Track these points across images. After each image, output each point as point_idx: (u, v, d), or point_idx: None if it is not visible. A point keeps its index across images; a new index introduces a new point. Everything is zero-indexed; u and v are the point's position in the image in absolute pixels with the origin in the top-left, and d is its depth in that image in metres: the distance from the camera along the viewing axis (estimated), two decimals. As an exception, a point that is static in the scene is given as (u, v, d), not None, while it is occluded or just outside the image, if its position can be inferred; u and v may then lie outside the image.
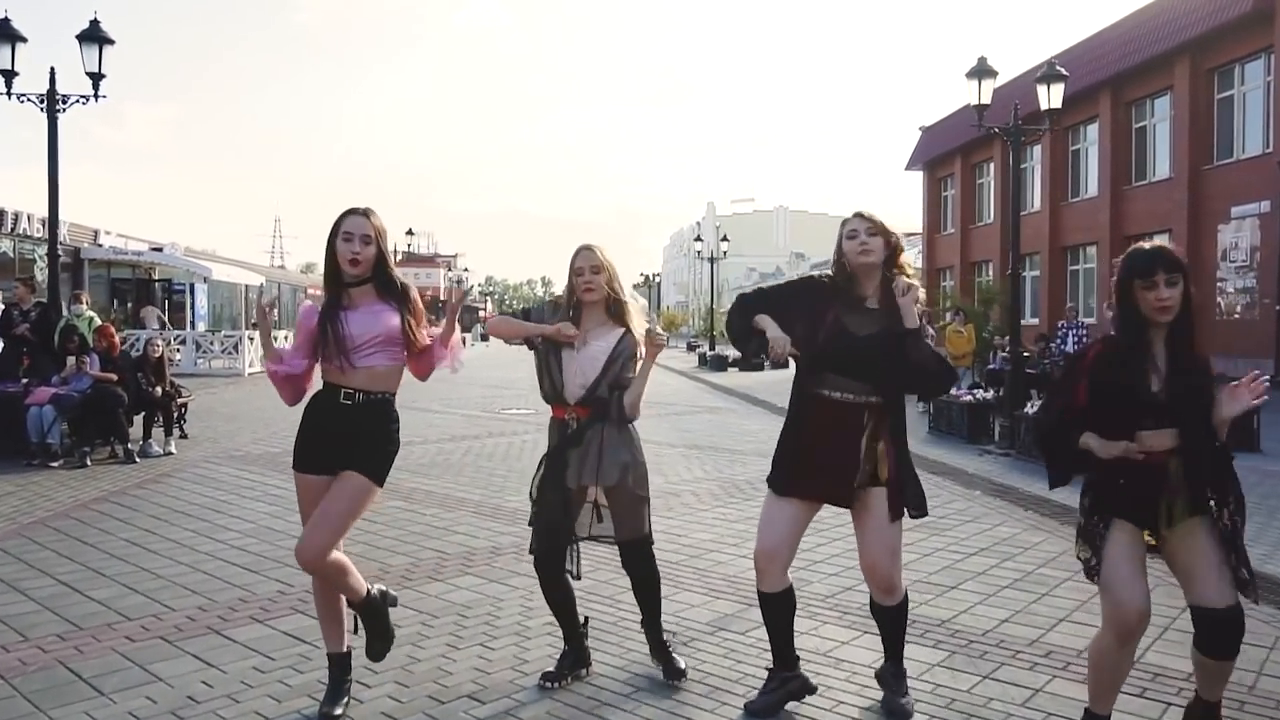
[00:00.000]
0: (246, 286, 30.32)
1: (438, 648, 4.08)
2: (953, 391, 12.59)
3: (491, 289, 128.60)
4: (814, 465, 3.31)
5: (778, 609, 3.41)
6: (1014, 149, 10.96)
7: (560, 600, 3.69)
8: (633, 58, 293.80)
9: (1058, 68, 10.71)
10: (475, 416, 13.89)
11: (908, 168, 38.49)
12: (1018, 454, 9.81)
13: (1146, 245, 2.87)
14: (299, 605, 4.57)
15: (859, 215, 3.39)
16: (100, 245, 23.01)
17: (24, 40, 9.68)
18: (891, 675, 3.49)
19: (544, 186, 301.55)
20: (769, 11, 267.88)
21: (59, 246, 10.50)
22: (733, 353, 30.73)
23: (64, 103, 9.66)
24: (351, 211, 3.27)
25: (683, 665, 3.74)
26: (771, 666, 3.48)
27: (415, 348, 3.34)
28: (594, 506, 3.63)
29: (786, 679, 3.44)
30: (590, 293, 3.56)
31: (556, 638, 4.19)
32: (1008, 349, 13.06)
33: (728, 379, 23.08)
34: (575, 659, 3.74)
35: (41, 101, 9.65)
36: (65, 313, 9.99)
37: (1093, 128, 26.21)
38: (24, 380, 9.16)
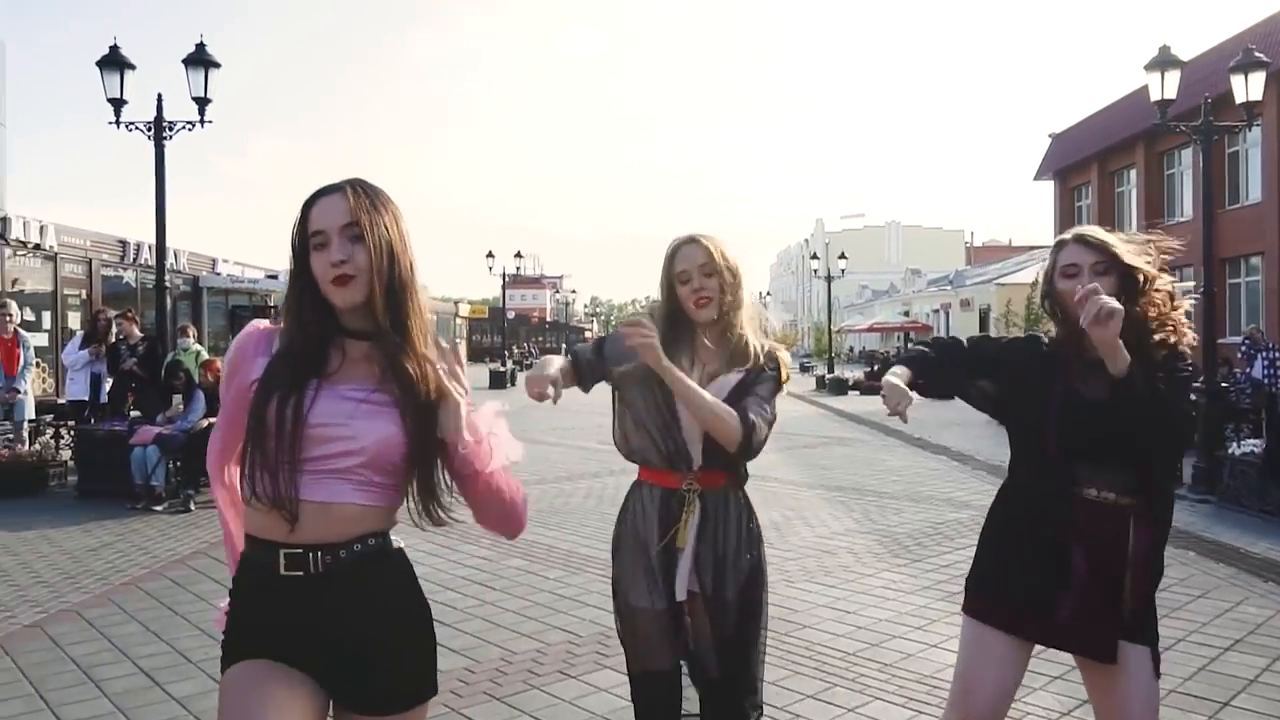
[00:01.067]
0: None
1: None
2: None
3: (597, 309, 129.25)
4: (1042, 588, 2.22)
5: None
6: (1205, 147, 9.57)
7: None
8: (739, 77, 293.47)
9: (1256, 53, 9.30)
10: (592, 450, 13.12)
11: (1037, 177, 36.45)
12: (1219, 500, 8.46)
13: None
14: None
15: (1080, 240, 2.26)
16: (218, 274, 23.38)
17: (132, 68, 9.45)
18: None
19: (648, 207, 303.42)
20: (878, 23, 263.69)
21: (179, 275, 10.23)
22: (853, 374, 29.37)
23: (170, 130, 9.37)
24: (324, 192, 1.70)
25: None
26: None
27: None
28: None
29: None
30: (705, 305, 2.41)
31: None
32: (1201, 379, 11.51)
33: (851, 404, 21.78)
34: None
35: (149, 129, 9.38)
36: (172, 347, 9.68)
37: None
38: (131, 419, 8.81)
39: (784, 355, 2.49)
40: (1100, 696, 2.26)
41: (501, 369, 28.65)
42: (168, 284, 10.67)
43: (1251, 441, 8.78)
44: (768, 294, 74.72)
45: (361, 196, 1.68)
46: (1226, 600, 5.51)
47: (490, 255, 31.62)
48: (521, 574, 6.06)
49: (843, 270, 30.88)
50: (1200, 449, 9.05)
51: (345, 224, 1.64)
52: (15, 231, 15.46)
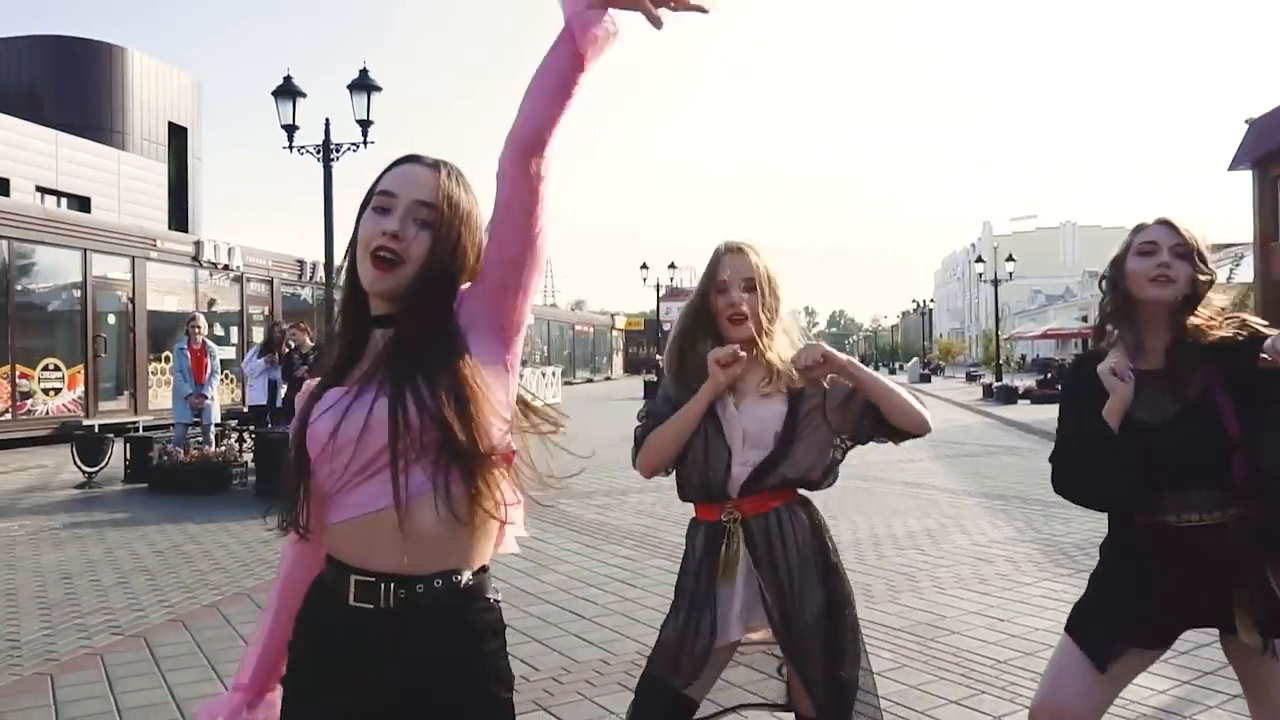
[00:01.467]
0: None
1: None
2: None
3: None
4: (1148, 612, 2.04)
5: None
6: None
7: None
8: (898, 79, 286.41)
9: None
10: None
11: (1232, 167, 33.63)
12: None
13: None
14: (625, 680, 3.85)
15: (1163, 223, 2.11)
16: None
17: (303, 96, 10.15)
18: None
19: (807, 215, 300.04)
20: (1046, 10, 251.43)
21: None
22: (1023, 383, 27.97)
23: (337, 151, 10.01)
24: (415, 159, 1.47)
25: None
26: None
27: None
28: (768, 657, 2.31)
29: None
30: (740, 323, 2.22)
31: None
32: None
33: (1021, 413, 20.69)
34: None
35: (318, 152, 10.05)
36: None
37: None
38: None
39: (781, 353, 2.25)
40: (1260, 699, 2.05)
41: (655, 380, 28.93)
42: (337, 300, 11.31)
43: None
44: (931, 301, 72.12)
45: (455, 182, 1.43)
46: None
47: (644, 267, 32.04)
48: (663, 573, 6.04)
49: (1010, 274, 29.43)
50: None
51: (420, 200, 1.40)
52: (208, 254, 16.89)
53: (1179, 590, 2.01)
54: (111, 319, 14.88)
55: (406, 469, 1.31)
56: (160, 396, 15.75)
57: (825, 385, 2.18)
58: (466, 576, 1.40)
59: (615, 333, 52.36)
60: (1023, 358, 65.74)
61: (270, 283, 19.10)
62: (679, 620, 2.20)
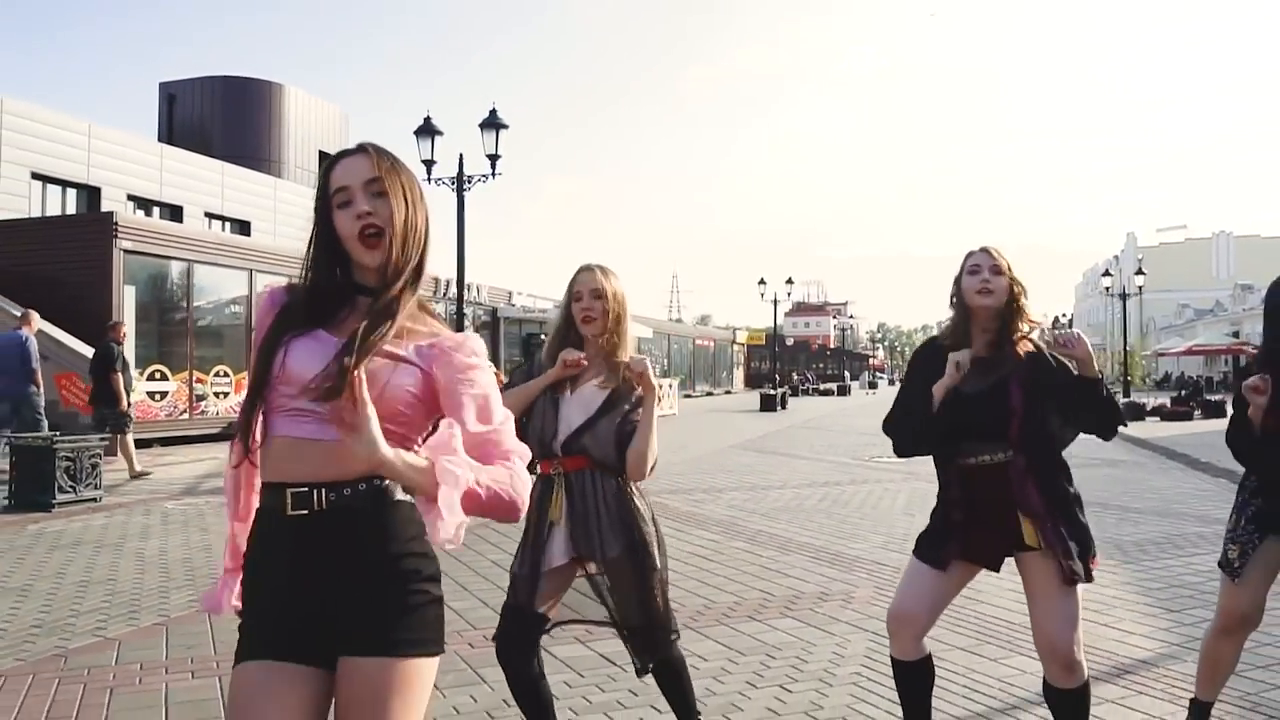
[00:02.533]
0: (639, 339, 32.79)
1: (736, 685, 3.98)
2: None
3: (883, 336, 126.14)
4: (960, 531, 2.83)
5: (911, 679, 2.97)
6: None
7: (533, 703, 2.88)
8: (1036, 85, 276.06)
9: None
10: (843, 464, 13.59)
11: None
12: None
13: None
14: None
15: (984, 250, 2.89)
16: (513, 305, 26.28)
17: (440, 134, 11.45)
18: None
19: (938, 227, 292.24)
20: (1195, 9, 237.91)
21: (480, 307, 12.09)
22: (1152, 400, 27.15)
23: (469, 183, 11.25)
24: (343, 154, 1.74)
25: None
26: None
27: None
28: (590, 582, 2.96)
29: None
30: (589, 323, 2.89)
31: (860, 688, 3.92)
32: None
33: (1143, 429, 20.33)
34: None
35: (453, 183, 11.31)
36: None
37: None
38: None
39: (652, 373, 2.89)
40: (1030, 608, 2.81)
41: (771, 393, 29.48)
42: (468, 314, 12.53)
43: None
44: (1066, 316, 69.51)
45: (383, 156, 1.69)
46: None
47: (762, 282, 32.65)
48: (740, 552, 6.85)
49: (1140, 288, 28.63)
50: None
51: (369, 179, 1.64)
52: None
53: (982, 511, 2.77)
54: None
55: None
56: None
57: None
58: (389, 482, 1.60)
59: (736, 347, 52.97)
60: (1166, 375, 62.71)
61: (411, 298, 20.72)
62: (523, 554, 2.90)
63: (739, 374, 52.76)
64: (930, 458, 2.96)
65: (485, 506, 1.59)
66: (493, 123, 11.14)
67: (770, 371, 39.91)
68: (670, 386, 26.88)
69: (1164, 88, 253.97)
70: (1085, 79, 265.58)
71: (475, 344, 1.71)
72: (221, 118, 29.72)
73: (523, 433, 2.83)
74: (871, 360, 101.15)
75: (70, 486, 8.55)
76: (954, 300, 2.93)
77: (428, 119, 11.46)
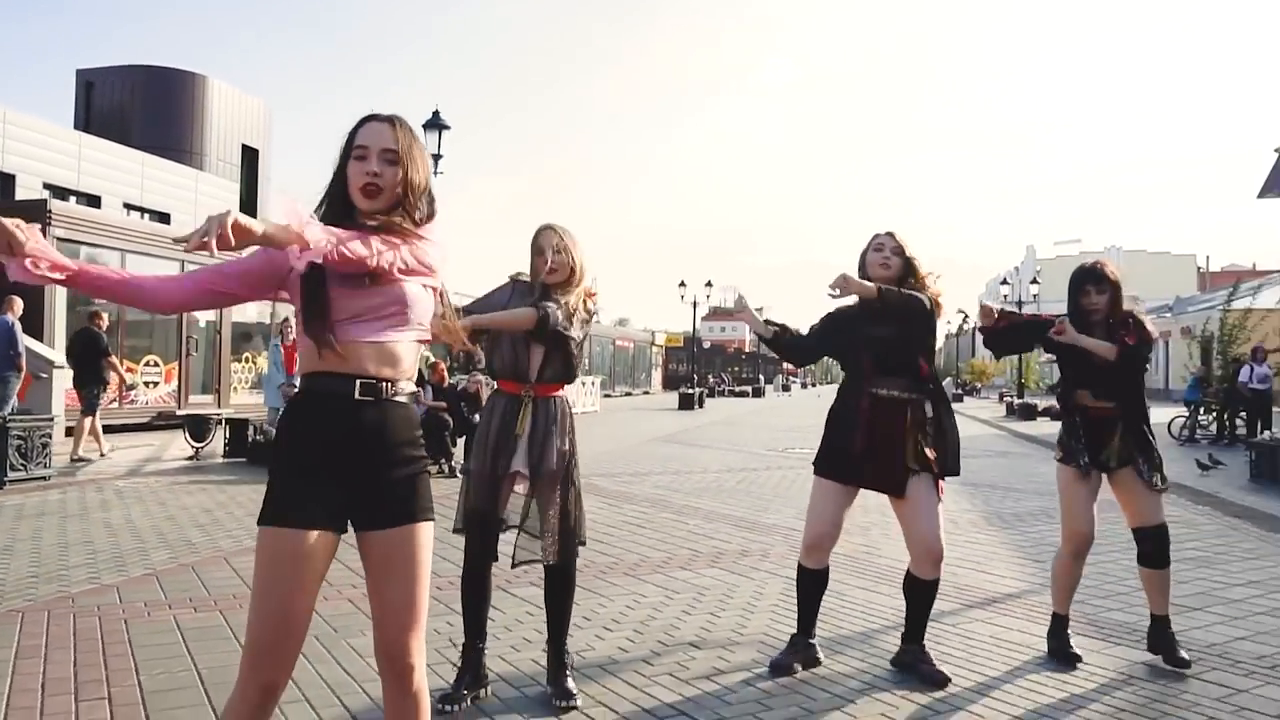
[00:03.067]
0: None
1: (673, 613, 4.70)
2: (1277, 433, 11.36)
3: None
4: (859, 454, 3.60)
5: (810, 585, 3.82)
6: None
7: (477, 591, 3.46)
8: (946, 103, 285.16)
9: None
10: (758, 454, 14.48)
11: (1261, 195, 34.29)
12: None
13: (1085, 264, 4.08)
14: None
15: (889, 233, 3.72)
16: (457, 293, 26.68)
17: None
18: (913, 658, 3.73)
19: (852, 236, 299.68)
20: (1096, 38, 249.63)
21: None
22: (1041, 402, 28.93)
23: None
24: (374, 118, 2.17)
25: (574, 689, 3.43)
26: (795, 632, 3.89)
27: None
28: (526, 498, 3.42)
29: (805, 643, 3.83)
30: (553, 273, 3.40)
31: (776, 615, 4.68)
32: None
33: (1033, 427, 21.85)
34: (473, 678, 3.42)
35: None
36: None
37: None
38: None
39: (590, 305, 3.51)
40: (905, 515, 3.63)
41: (690, 392, 30.43)
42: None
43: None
44: (967, 323, 72.18)
45: (405, 130, 2.15)
46: (1271, 563, 6.24)
47: (683, 284, 33.59)
48: (669, 521, 7.58)
49: (1035, 296, 30.48)
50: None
51: (385, 148, 2.09)
52: (287, 266, 18.74)
53: (881, 433, 3.56)
54: (202, 323, 16.76)
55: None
56: (240, 393, 17.63)
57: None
58: (410, 386, 2.19)
59: (655, 349, 53.84)
60: (1059, 379, 65.98)
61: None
62: (484, 459, 3.38)
63: (657, 375, 53.66)
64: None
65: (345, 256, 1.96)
66: (436, 124, 11.67)
67: (689, 373, 40.91)
68: (593, 384, 27.54)
69: (1065, 112, 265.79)
70: (993, 99, 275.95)
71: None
72: (142, 108, 29.27)
73: (489, 360, 3.50)
74: (785, 365, 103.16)
75: (21, 465, 8.80)
76: (860, 271, 3.72)
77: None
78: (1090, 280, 3.94)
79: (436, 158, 11.72)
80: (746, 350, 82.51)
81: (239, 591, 4.98)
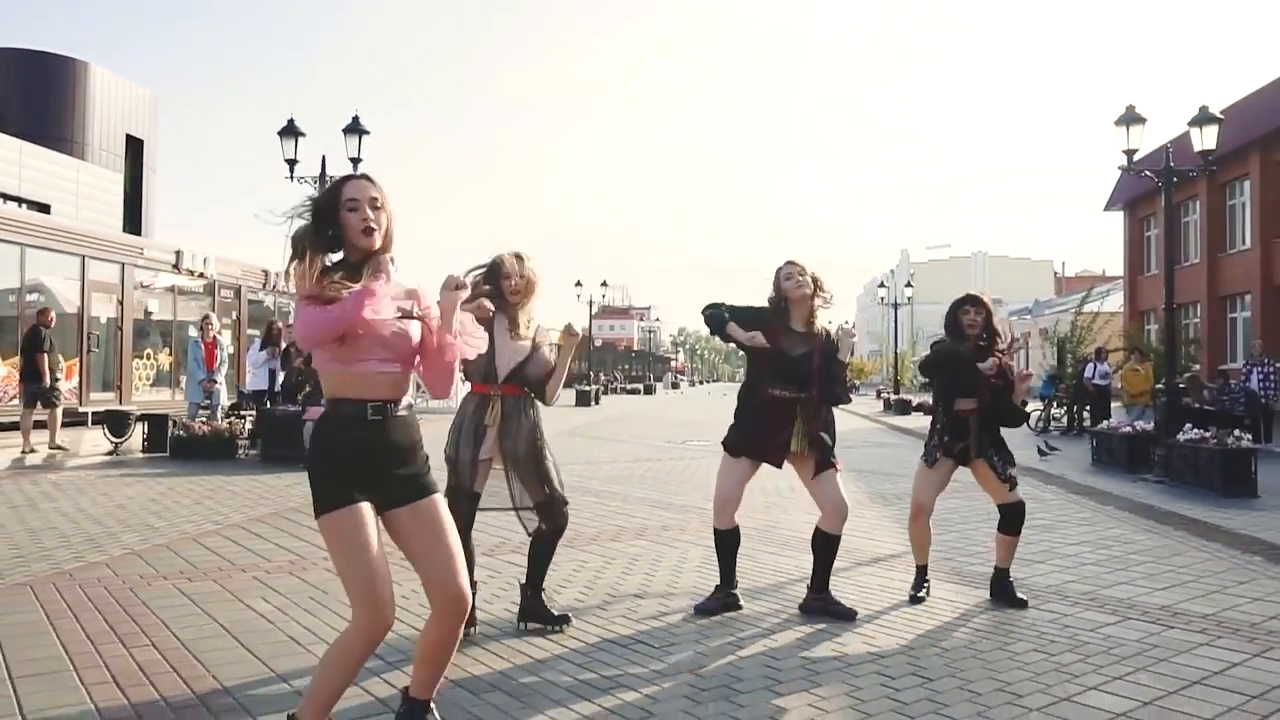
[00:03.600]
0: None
1: (613, 576, 5.50)
2: (1113, 423, 12.94)
3: (684, 339, 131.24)
4: (760, 439, 4.57)
5: (727, 542, 4.71)
6: (1166, 192, 11.42)
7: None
8: (829, 110, 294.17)
9: (1210, 111, 11.13)
10: (660, 446, 15.41)
11: (1107, 208, 37.40)
12: (1169, 480, 10.15)
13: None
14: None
15: (791, 262, 4.61)
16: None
17: (303, 135, 12.28)
18: (822, 602, 4.64)
19: (735, 240, 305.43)
20: (977, 54, 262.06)
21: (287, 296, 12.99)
22: (916, 398, 30.98)
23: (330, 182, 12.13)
24: (355, 177, 2.78)
25: (559, 612, 4.35)
26: (718, 583, 4.77)
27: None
28: (505, 476, 4.17)
29: (727, 592, 4.73)
30: (516, 295, 4.20)
31: (703, 574, 5.53)
32: (1179, 384, 13.24)
33: (908, 421, 23.54)
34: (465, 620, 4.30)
35: (315, 181, 12.18)
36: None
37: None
38: (301, 401, 11.49)
39: (553, 336, 4.28)
40: (814, 487, 4.59)
41: (587, 389, 31.21)
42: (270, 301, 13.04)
43: (1197, 430, 10.45)
44: (849, 323, 75.39)
45: (377, 184, 2.73)
46: (1102, 528, 7.48)
47: (579, 284, 34.32)
48: (592, 503, 8.36)
49: (909, 298, 32.44)
50: (1161, 439, 10.82)
51: (371, 198, 2.67)
52: (186, 262, 18.68)
53: (775, 424, 4.47)
54: (103, 319, 16.60)
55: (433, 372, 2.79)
56: (142, 390, 17.50)
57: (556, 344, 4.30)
58: (407, 400, 2.78)
59: (549, 348, 54.30)
60: (933, 378, 69.50)
61: (238, 289, 20.88)
62: (462, 448, 4.11)
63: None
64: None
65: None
66: (356, 129, 12.10)
67: (585, 370, 41.70)
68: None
69: (940, 120, 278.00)
70: (876, 107, 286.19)
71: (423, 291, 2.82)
72: (18, 93, 28.12)
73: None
74: (673, 363, 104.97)
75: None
76: (776, 295, 4.59)
77: (291, 121, 12.24)
78: (970, 303, 4.95)
79: (355, 161, 12.14)
80: (636, 348, 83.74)
81: (223, 564, 5.53)
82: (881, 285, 36.36)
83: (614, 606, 4.78)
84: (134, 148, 31.42)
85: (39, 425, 11.58)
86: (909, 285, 33.46)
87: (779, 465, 4.60)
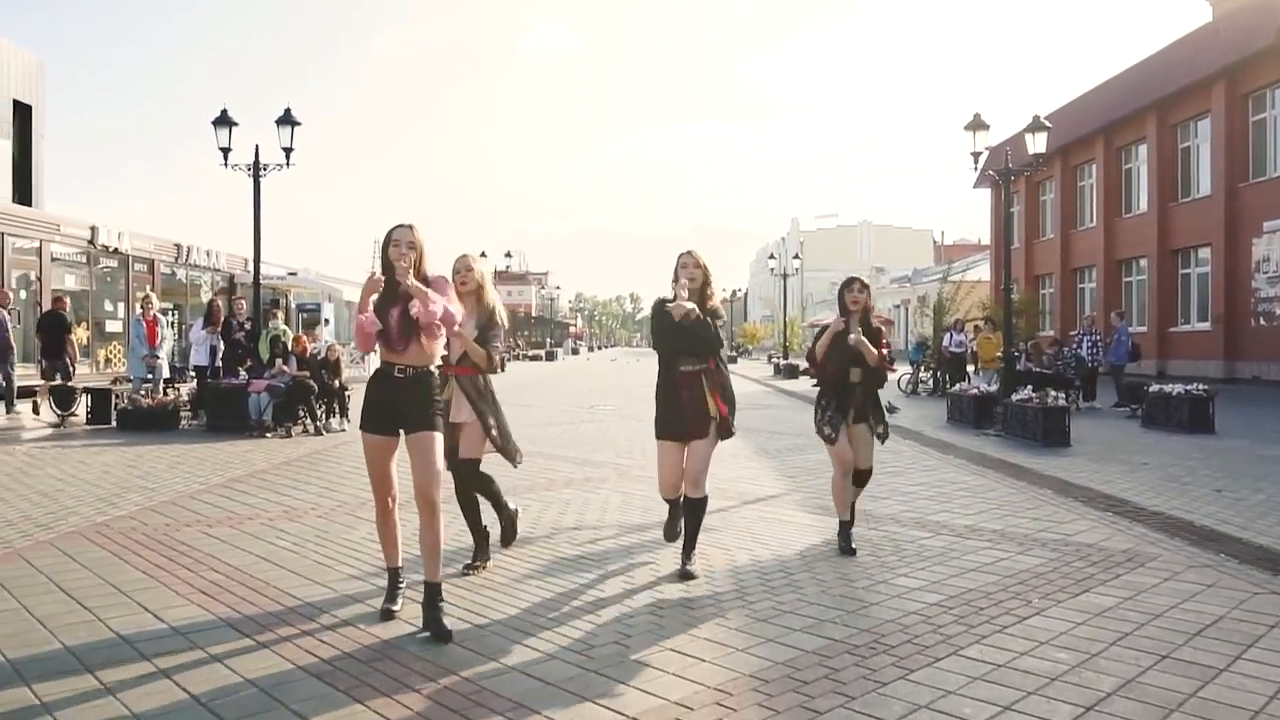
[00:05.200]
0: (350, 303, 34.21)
1: (551, 517, 6.90)
2: (965, 386, 14.96)
3: (581, 305, 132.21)
4: (680, 415, 5.29)
5: (673, 508, 5.63)
6: (1005, 187, 13.35)
7: (470, 511, 5.36)
8: (717, 75, 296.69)
9: (1042, 120, 13.08)
10: (569, 411, 16.78)
11: (977, 185, 40.17)
12: (1005, 433, 12.13)
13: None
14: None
15: (689, 253, 5.40)
16: (248, 271, 27.09)
17: (236, 125, 13.06)
18: (681, 575, 5.20)
19: (629, 205, 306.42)
20: (861, 23, 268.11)
21: (219, 273, 13.91)
22: (803, 362, 33.15)
23: (265, 170, 13.01)
24: (400, 226, 4.24)
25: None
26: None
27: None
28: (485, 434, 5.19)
29: (674, 529, 5.67)
30: (464, 285, 5.10)
31: (626, 513, 6.98)
32: (1020, 350, 15.38)
33: (796, 385, 25.51)
34: (478, 552, 5.33)
35: (249, 170, 13.00)
36: (267, 326, 13.25)
37: (1143, 148, 27.87)
38: (244, 374, 12.43)
39: (502, 313, 5.33)
40: (687, 455, 5.59)
41: (493, 356, 32.25)
42: (205, 280, 14.08)
43: (1028, 390, 12.46)
44: (739, 291, 77.87)
45: (416, 231, 4.24)
46: (941, 473, 9.28)
47: (484, 254, 35.16)
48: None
49: (797, 269, 34.49)
50: (999, 399, 12.81)
51: (409, 241, 4.19)
52: (101, 238, 19.00)
53: (687, 400, 5.80)
54: (23, 294, 16.91)
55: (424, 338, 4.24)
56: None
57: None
58: (431, 366, 4.33)
59: (448, 314, 54.63)
60: (821, 343, 72.58)
61: (151, 264, 21.20)
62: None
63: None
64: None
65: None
66: (288, 120, 12.93)
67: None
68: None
69: (825, 89, 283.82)
70: (764, 72, 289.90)
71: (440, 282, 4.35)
72: (-105, 58, 27.17)
73: None
74: (572, 328, 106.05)
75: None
76: (675, 279, 5.85)
77: (224, 111, 12.98)
78: (856, 285, 6.09)
79: (288, 151, 12.99)
80: (535, 315, 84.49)
81: (228, 515, 6.70)
82: (771, 256, 38.43)
83: (558, 537, 6.20)
84: (21, 113, 30.62)
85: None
86: (796, 257, 35.48)
87: (703, 437, 5.35)
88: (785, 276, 34.27)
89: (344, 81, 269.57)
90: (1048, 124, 13.06)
